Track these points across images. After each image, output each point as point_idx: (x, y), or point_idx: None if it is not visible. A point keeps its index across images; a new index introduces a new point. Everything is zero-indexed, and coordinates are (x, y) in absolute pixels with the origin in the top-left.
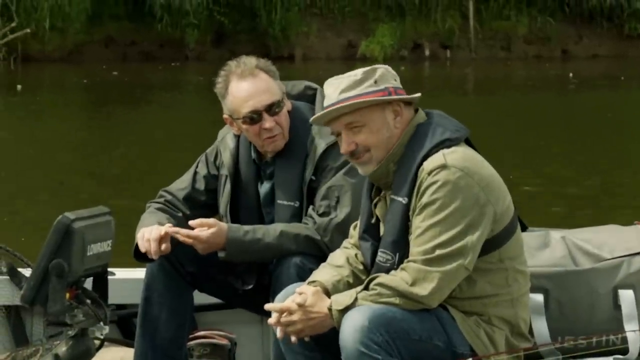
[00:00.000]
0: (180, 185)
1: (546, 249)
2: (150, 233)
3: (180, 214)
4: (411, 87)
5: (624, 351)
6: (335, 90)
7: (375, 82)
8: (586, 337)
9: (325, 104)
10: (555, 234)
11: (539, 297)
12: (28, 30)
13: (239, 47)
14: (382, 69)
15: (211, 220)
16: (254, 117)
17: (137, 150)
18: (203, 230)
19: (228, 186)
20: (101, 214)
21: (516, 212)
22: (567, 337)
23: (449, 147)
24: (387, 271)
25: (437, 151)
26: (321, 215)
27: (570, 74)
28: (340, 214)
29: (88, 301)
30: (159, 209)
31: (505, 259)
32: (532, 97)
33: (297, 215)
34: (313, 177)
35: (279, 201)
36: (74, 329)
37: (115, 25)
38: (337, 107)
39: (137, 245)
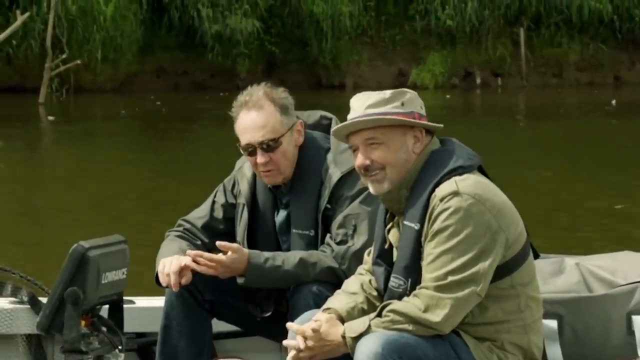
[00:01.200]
0: (199, 214)
1: (561, 275)
2: (170, 266)
3: (199, 242)
4: (461, 115)
5: None
6: (362, 104)
7: (403, 104)
8: None
9: (350, 116)
10: (570, 261)
11: (553, 323)
12: (79, 62)
13: (290, 76)
14: (410, 93)
15: (235, 245)
16: (249, 149)
17: (185, 179)
18: (226, 254)
19: (245, 214)
20: (116, 243)
21: (528, 238)
22: None
23: (461, 174)
24: (400, 296)
25: (449, 178)
26: (339, 243)
27: (613, 101)
28: (358, 242)
29: (104, 329)
30: (178, 237)
31: (517, 285)
32: (584, 124)
33: (313, 244)
34: (328, 206)
35: (294, 230)
36: (90, 357)
37: (167, 56)
38: (362, 119)
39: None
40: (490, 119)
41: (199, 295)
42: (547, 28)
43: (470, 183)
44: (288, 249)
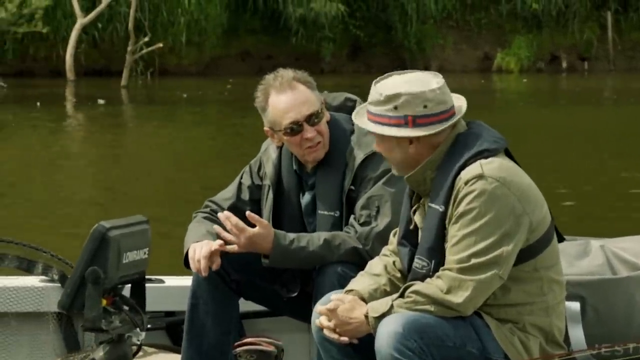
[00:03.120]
0: (226, 195)
1: (585, 257)
2: (200, 252)
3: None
4: (548, 98)
5: None
6: (369, 98)
7: (396, 107)
8: (623, 343)
9: (370, 100)
10: (595, 243)
11: (575, 305)
12: (161, 45)
13: (375, 60)
14: (406, 96)
15: (264, 221)
16: (294, 128)
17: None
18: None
19: (271, 196)
20: (138, 223)
21: (553, 222)
22: (604, 344)
23: (486, 157)
24: (423, 277)
25: (474, 161)
26: (362, 224)
27: None
28: (381, 223)
29: (126, 308)
30: (205, 218)
31: (541, 268)
32: None
33: (338, 225)
34: (352, 187)
35: (319, 211)
36: (111, 335)
37: (251, 39)
38: (358, 121)
39: (187, 253)
40: (578, 104)
41: (225, 276)
42: (635, 11)
43: (495, 166)
44: (314, 231)
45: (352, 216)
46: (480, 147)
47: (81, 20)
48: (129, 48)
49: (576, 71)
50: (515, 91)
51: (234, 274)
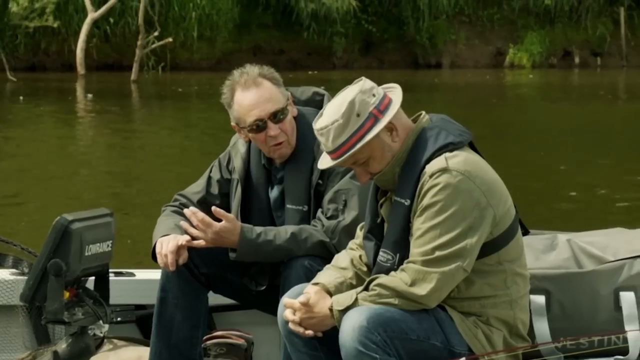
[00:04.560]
0: (195, 189)
1: (552, 251)
2: (167, 246)
3: None
4: (560, 94)
5: (625, 351)
6: (328, 140)
7: (358, 115)
8: (587, 336)
9: (325, 150)
10: (562, 237)
11: (540, 299)
12: (170, 39)
13: (387, 55)
14: (357, 95)
15: (230, 215)
16: (259, 125)
17: None
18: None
19: (239, 190)
20: (101, 215)
21: (517, 216)
22: (569, 337)
23: (451, 150)
24: (388, 271)
25: (439, 154)
26: (329, 218)
27: None
28: (348, 217)
29: (89, 300)
30: (174, 212)
31: (504, 262)
32: None
33: (306, 219)
34: (320, 182)
35: (288, 205)
36: (73, 327)
37: (263, 34)
38: (340, 161)
39: (154, 247)
40: (591, 100)
41: (194, 269)
42: None
43: (460, 160)
44: (282, 224)
45: (319, 210)
46: (445, 140)
47: (92, 15)
48: (139, 42)
49: (589, 67)
50: (526, 87)
51: (202, 267)
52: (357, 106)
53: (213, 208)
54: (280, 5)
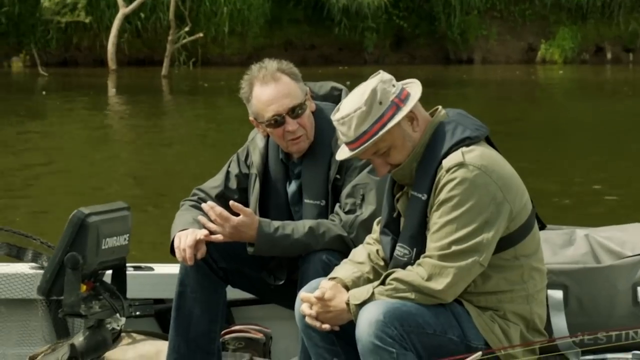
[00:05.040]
0: (214, 184)
1: (570, 246)
2: (185, 240)
3: None
4: (592, 90)
5: None
6: (349, 129)
7: (380, 103)
8: (605, 331)
9: (345, 141)
10: (580, 232)
11: (558, 294)
12: (201, 34)
13: (418, 50)
14: (378, 84)
15: (248, 210)
16: (277, 120)
17: None
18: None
19: (257, 185)
20: (118, 209)
21: (534, 210)
22: (586, 332)
23: (468, 145)
24: (404, 265)
25: (456, 149)
26: (347, 212)
27: None
28: (366, 211)
29: (106, 293)
30: (192, 206)
31: (521, 257)
32: None
33: (324, 214)
34: (337, 176)
35: (306, 200)
36: (91, 320)
37: (294, 29)
38: (362, 149)
39: (173, 242)
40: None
41: (213, 264)
42: None
43: (476, 154)
44: (300, 219)
45: (337, 205)
46: (462, 135)
47: (123, 10)
48: (170, 37)
49: (621, 62)
50: (555, 83)
51: (221, 262)
52: (379, 94)
53: (231, 202)
54: (311, 1)
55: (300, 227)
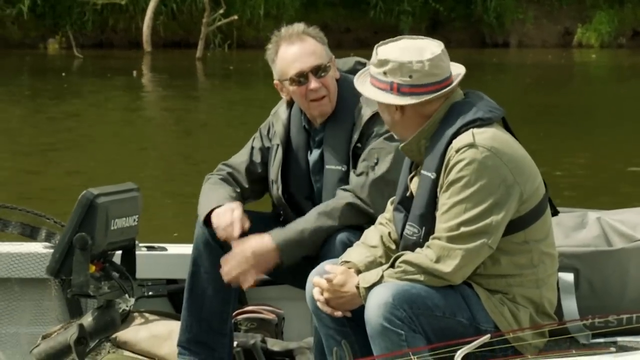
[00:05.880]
0: (240, 159)
1: (582, 229)
2: (231, 216)
3: (239, 190)
4: (629, 73)
5: None
6: (424, 65)
7: (385, 73)
8: (616, 314)
9: (403, 81)
10: (592, 215)
11: (569, 277)
12: (236, 17)
13: (454, 34)
14: (395, 63)
15: (245, 238)
16: (300, 78)
17: None
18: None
19: (280, 154)
20: (127, 190)
21: (546, 195)
22: (597, 315)
23: (480, 126)
24: (414, 244)
25: (467, 129)
26: (359, 175)
27: None
28: (378, 171)
29: (115, 274)
30: (222, 180)
31: (531, 241)
32: None
33: (344, 179)
34: (359, 144)
35: (327, 166)
36: (100, 301)
37: (330, 12)
38: (357, 80)
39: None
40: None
41: (225, 245)
42: None
43: (487, 136)
44: (320, 189)
45: (352, 170)
46: (474, 115)
47: None
48: (204, 20)
49: None
50: (588, 66)
51: None
52: (388, 67)
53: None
54: None
55: (309, 217)
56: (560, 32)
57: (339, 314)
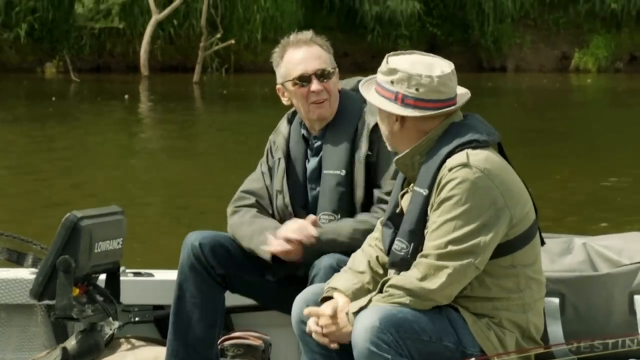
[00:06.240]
0: (257, 185)
1: (568, 254)
2: (295, 227)
3: (267, 214)
4: (626, 98)
5: (639, 355)
6: (445, 84)
7: (392, 82)
8: (601, 338)
9: (422, 95)
10: (578, 240)
11: (554, 302)
12: (233, 41)
13: (451, 58)
14: (404, 73)
15: (281, 242)
16: (303, 79)
17: None
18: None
19: (282, 165)
20: (111, 213)
21: (536, 221)
22: (582, 339)
23: (474, 148)
24: (401, 260)
25: (462, 150)
26: (387, 194)
27: None
28: None
29: (99, 297)
30: (258, 212)
31: (518, 265)
32: None
33: (342, 184)
34: (369, 152)
35: (325, 171)
36: (83, 324)
37: (327, 37)
38: (364, 84)
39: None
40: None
41: (211, 270)
42: None
43: (481, 157)
44: (316, 196)
45: (377, 190)
46: (470, 137)
47: (156, 16)
48: (201, 44)
49: None
50: (582, 91)
51: (219, 268)
52: (396, 76)
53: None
54: (344, 8)
55: (343, 229)
56: (558, 56)
57: (335, 346)
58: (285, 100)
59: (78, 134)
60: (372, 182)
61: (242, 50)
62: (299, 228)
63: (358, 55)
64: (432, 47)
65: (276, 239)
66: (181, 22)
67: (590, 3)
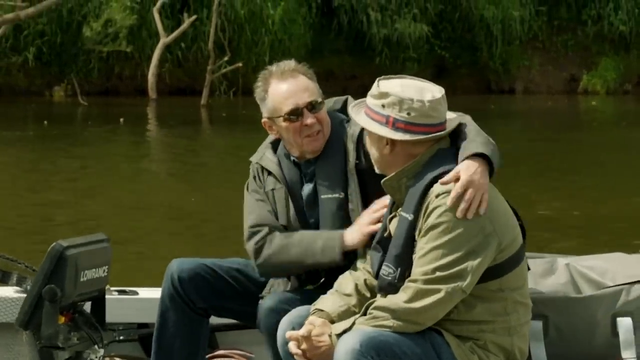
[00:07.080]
0: (264, 211)
1: (551, 275)
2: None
3: None
4: (635, 120)
5: None
6: (436, 109)
7: (383, 105)
8: None
9: (411, 119)
10: (562, 261)
11: (537, 324)
12: (240, 64)
13: (460, 80)
14: (396, 97)
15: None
16: (295, 113)
17: None
18: None
19: (282, 195)
20: (97, 241)
21: (524, 245)
22: None
23: None
24: (389, 284)
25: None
26: None
27: None
28: None
29: (84, 325)
30: (286, 234)
31: (506, 289)
32: None
33: (342, 207)
34: (357, 161)
35: (322, 196)
36: (69, 352)
37: (336, 59)
38: (354, 107)
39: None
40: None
41: (191, 304)
42: None
43: None
44: (316, 222)
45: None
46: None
47: (164, 40)
48: (209, 67)
49: None
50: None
51: (199, 303)
52: (387, 100)
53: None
54: (352, 31)
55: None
56: (566, 78)
57: None
58: (273, 134)
59: (81, 155)
60: (368, 190)
61: (250, 74)
62: (379, 208)
63: (366, 77)
64: (440, 70)
65: (360, 229)
66: (189, 45)
67: (598, 25)
